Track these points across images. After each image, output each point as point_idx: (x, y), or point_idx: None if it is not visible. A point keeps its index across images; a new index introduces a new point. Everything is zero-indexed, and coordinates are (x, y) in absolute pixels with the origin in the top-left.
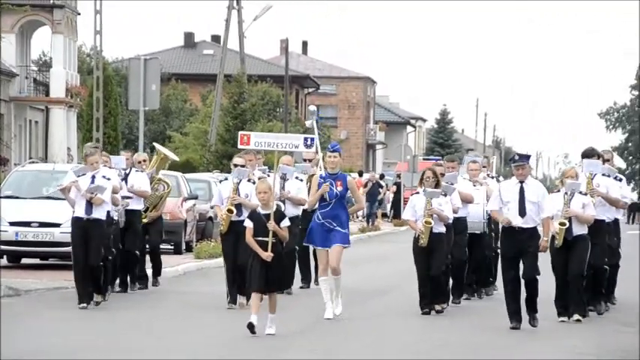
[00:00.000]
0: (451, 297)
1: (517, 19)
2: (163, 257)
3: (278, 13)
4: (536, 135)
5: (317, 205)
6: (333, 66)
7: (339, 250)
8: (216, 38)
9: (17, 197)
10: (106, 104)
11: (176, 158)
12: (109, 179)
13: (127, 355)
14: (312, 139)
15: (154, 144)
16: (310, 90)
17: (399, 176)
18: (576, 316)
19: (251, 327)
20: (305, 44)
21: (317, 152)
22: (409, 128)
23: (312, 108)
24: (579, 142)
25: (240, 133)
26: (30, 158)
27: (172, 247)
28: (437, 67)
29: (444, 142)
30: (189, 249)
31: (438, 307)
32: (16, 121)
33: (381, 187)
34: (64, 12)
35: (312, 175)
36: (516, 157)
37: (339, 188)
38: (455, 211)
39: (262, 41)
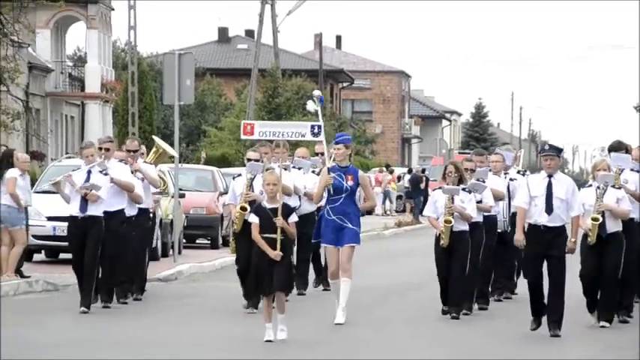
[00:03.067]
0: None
1: (551, 12)
2: (200, 251)
3: (312, 8)
4: (572, 128)
5: (324, 201)
6: (367, 60)
7: (350, 250)
8: (250, 33)
9: (54, 192)
10: (141, 99)
11: (175, 154)
12: (106, 174)
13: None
14: (320, 127)
15: (154, 137)
16: (345, 84)
17: (423, 171)
18: (603, 322)
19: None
20: (339, 38)
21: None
22: (444, 122)
23: (317, 93)
24: (615, 135)
25: (243, 122)
26: (66, 153)
27: (209, 242)
28: (472, 61)
29: (479, 136)
30: (225, 243)
31: (453, 314)
32: (52, 117)
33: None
34: (98, 7)
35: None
36: (546, 147)
37: (350, 182)
38: (488, 210)
39: (296, 36)
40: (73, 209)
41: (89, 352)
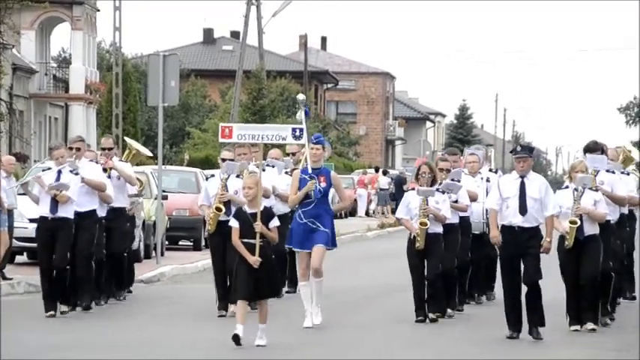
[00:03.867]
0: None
1: (537, 14)
2: (184, 253)
3: (297, 9)
4: (556, 130)
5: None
6: (352, 61)
7: (321, 251)
8: (235, 34)
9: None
10: (126, 100)
11: (149, 154)
12: (76, 174)
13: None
14: (301, 130)
15: (126, 138)
16: (329, 86)
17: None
18: (590, 325)
19: (236, 339)
20: (324, 40)
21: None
22: (428, 124)
23: (301, 97)
24: (599, 137)
25: (220, 125)
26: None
27: (192, 244)
28: (456, 62)
29: (463, 137)
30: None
31: (432, 316)
32: (36, 118)
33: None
34: (83, 8)
35: (294, 169)
36: (518, 149)
37: (323, 184)
38: (464, 210)
39: (281, 37)
40: (43, 210)
41: (74, 355)
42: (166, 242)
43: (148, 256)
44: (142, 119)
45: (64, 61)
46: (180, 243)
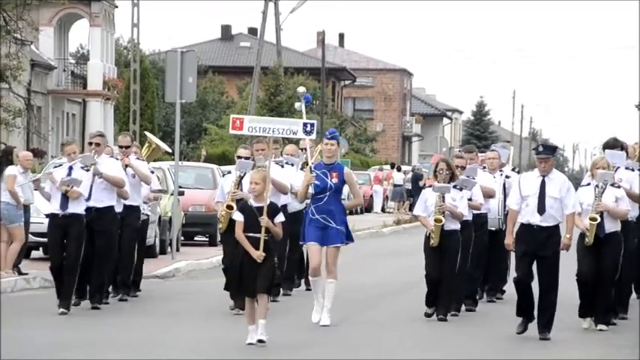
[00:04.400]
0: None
1: (554, 11)
2: (200, 249)
3: (314, 6)
4: (573, 127)
5: (310, 200)
6: (369, 58)
7: (335, 251)
8: (253, 31)
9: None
10: (143, 97)
11: (168, 149)
12: (87, 170)
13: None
14: (313, 125)
15: (146, 133)
16: (347, 82)
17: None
18: (601, 326)
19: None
20: (342, 36)
21: (318, 143)
22: (445, 120)
23: (301, 89)
24: (617, 133)
25: (232, 116)
26: None
27: (208, 239)
28: (473, 59)
29: (480, 134)
30: None
31: (441, 315)
32: (54, 114)
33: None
34: (101, 5)
35: (305, 163)
36: (540, 149)
37: (334, 180)
38: (478, 208)
39: (299, 33)
40: (54, 207)
41: (87, 352)
42: (182, 238)
43: (163, 252)
44: (159, 115)
45: (82, 58)
46: (195, 239)
